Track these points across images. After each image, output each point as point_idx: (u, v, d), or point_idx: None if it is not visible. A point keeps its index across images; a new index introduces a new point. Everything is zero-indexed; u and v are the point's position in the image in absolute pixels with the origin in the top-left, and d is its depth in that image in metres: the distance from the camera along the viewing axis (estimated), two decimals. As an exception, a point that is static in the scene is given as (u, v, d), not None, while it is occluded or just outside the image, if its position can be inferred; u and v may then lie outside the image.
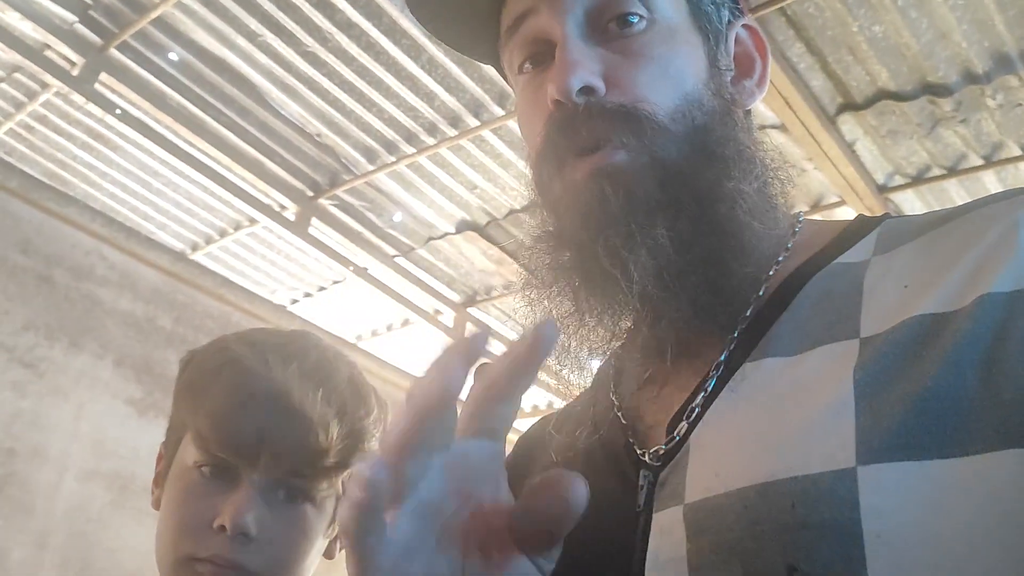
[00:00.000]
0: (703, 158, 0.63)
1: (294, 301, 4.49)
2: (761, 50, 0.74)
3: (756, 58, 0.73)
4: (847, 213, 3.27)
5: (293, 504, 0.89)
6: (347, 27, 2.84)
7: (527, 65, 0.70)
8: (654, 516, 0.57)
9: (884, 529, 0.46)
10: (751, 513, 0.50)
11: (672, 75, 0.65)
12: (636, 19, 0.65)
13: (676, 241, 0.61)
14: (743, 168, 0.64)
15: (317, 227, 3.75)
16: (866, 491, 0.47)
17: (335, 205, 3.72)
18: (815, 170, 3.13)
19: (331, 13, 2.79)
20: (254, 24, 2.87)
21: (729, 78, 0.70)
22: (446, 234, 3.84)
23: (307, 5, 2.77)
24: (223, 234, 4.06)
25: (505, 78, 0.79)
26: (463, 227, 3.77)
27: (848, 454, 0.48)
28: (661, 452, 0.59)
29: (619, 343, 0.69)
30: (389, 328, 4.66)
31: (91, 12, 2.94)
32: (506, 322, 4.40)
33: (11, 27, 2.93)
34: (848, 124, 2.93)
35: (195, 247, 4.14)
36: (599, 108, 0.63)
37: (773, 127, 2.96)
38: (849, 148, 3.01)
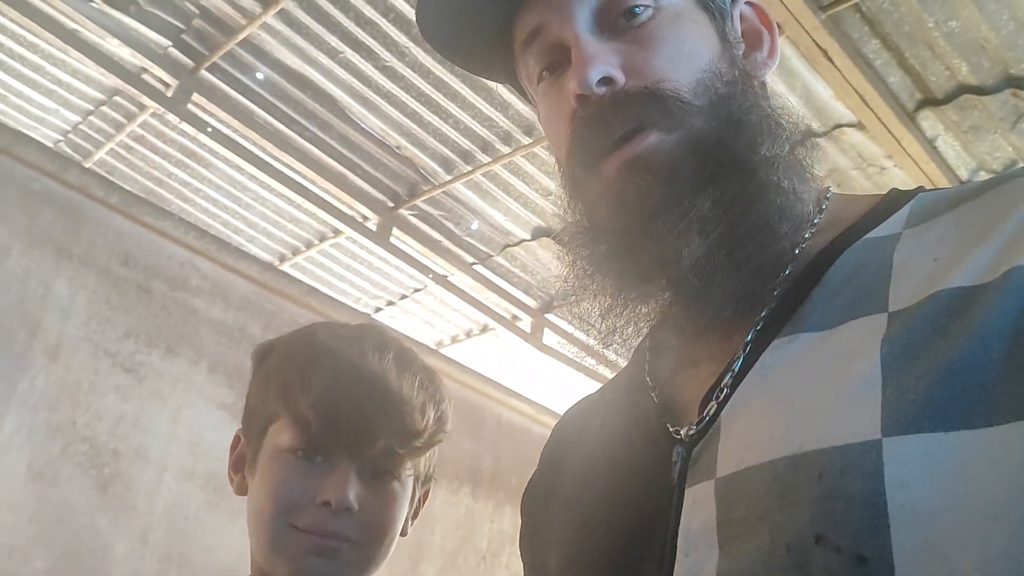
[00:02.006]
0: (732, 128, 0.64)
1: (378, 309, 4.61)
2: (767, 23, 0.75)
3: (763, 31, 0.74)
4: (930, 211, 3.20)
5: (382, 481, 0.97)
6: (423, 41, 2.92)
7: (545, 74, 0.72)
8: (687, 491, 0.58)
9: (908, 500, 0.46)
10: (780, 484, 0.51)
11: (686, 53, 0.67)
12: (641, 9, 0.67)
13: (726, 215, 0.61)
14: (772, 133, 0.65)
15: (398, 237, 3.86)
16: (891, 462, 0.47)
17: (415, 215, 3.82)
18: (895, 168, 3.08)
19: (408, 28, 2.89)
20: (334, 41, 2.98)
21: (741, 52, 0.71)
22: (522, 241, 3.90)
23: (384, 21, 2.87)
24: (309, 245, 4.20)
25: (525, 94, 0.81)
26: (539, 233, 3.82)
27: (874, 426, 0.49)
28: (692, 431, 0.60)
29: (655, 321, 0.70)
30: (469, 334, 4.74)
31: (184, 36, 3.11)
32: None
33: (111, 53, 3.12)
34: (928, 120, 2.88)
35: (283, 258, 4.29)
36: (623, 95, 0.65)
37: (850, 125, 2.93)
38: (930, 144, 2.95)
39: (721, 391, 0.61)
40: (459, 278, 4.10)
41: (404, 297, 4.52)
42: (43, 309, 2.42)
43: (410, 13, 2.82)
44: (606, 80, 0.65)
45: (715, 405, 0.60)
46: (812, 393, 0.54)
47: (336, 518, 0.91)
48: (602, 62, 0.65)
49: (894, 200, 0.65)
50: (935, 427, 0.47)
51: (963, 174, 3.08)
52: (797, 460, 0.51)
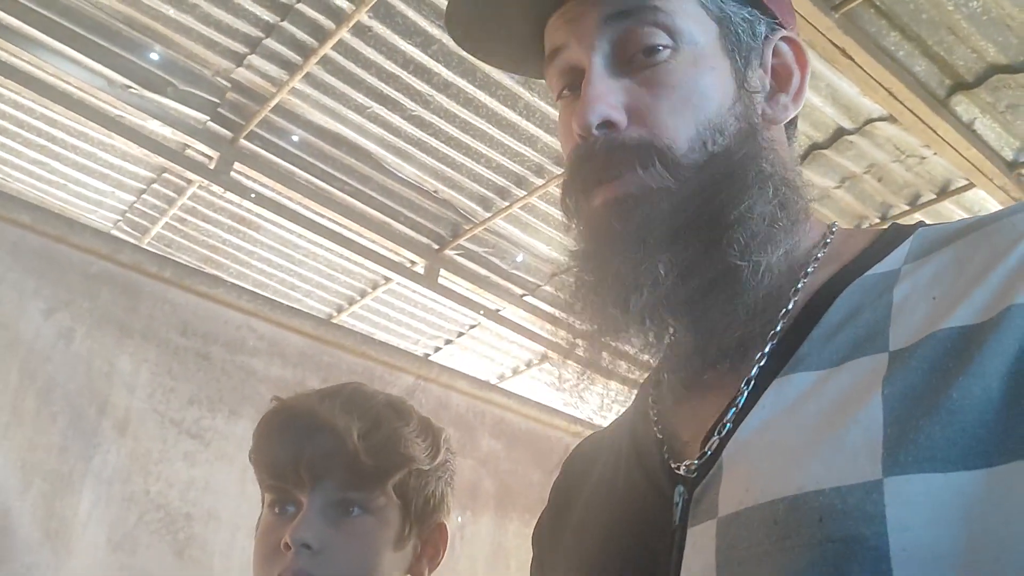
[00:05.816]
0: (716, 186, 0.64)
1: (437, 349, 4.67)
2: (801, 63, 0.74)
3: (794, 71, 0.73)
4: (978, 196, 3.13)
5: (353, 518, 0.98)
6: (445, 87, 2.99)
7: (565, 92, 0.74)
8: (688, 531, 0.57)
9: (910, 543, 0.46)
10: (781, 527, 0.50)
11: (694, 103, 0.67)
12: (661, 49, 0.67)
13: (679, 272, 0.63)
14: (760, 189, 0.65)
15: (446, 277, 3.92)
16: (892, 504, 0.47)
17: (460, 254, 3.88)
18: (935, 156, 3.01)
19: (428, 77, 2.96)
20: (361, 98, 3.07)
21: (763, 96, 0.71)
22: (570, 268, 3.92)
23: (406, 73, 2.94)
24: (363, 294, 4.29)
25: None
26: (585, 259, 3.83)
27: (875, 466, 0.49)
28: (693, 467, 0.60)
29: (653, 357, 0.70)
30: (529, 364, 4.76)
31: (220, 110, 3.23)
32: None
33: (154, 133, 3.26)
34: (962, 105, 2.81)
35: (340, 309, 4.40)
36: (618, 142, 0.66)
37: (881, 120, 2.88)
38: (968, 129, 2.88)
39: (724, 426, 0.61)
40: (511, 311, 4.14)
41: (461, 335, 4.57)
42: (109, 386, 2.53)
43: (429, 63, 2.89)
44: (606, 123, 0.66)
45: (717, 440, 0.60)
46: (812, 433, 0.54)
47: (299, 557, 0.94)
48: (605, 105, 0.66)
49: (895, 235, 0.66)
50: (935, 467, 0.47)
51: (1007, 155, 3.00)
52: (796, 501, 0.51)
